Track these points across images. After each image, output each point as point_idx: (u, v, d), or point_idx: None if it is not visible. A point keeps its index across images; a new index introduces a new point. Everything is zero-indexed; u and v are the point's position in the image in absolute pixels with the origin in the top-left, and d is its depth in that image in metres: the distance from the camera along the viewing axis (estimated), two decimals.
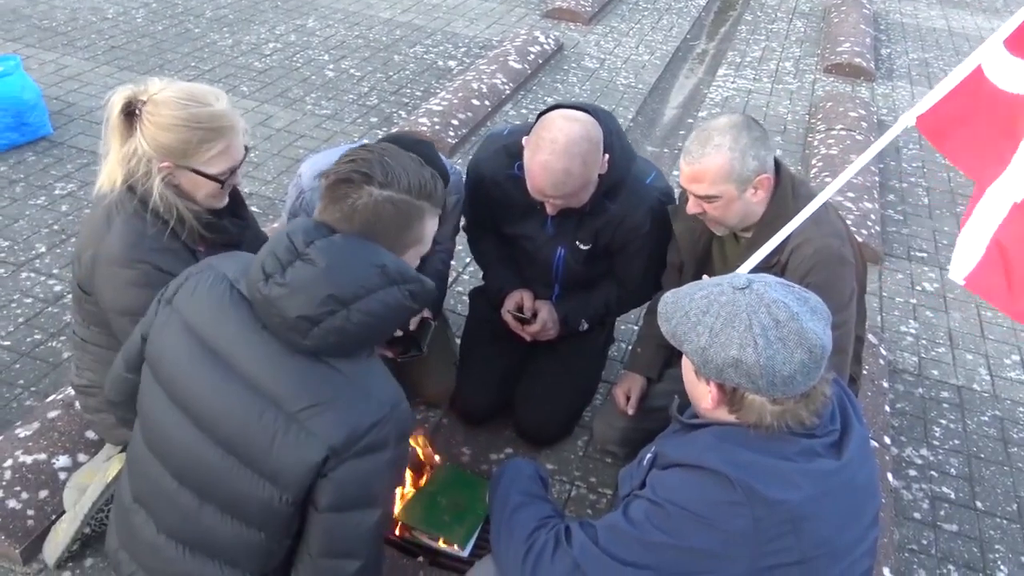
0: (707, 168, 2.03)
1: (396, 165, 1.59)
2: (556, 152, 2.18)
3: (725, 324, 1.39)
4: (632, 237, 2.49)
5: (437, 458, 2.53)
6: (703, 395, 1.48)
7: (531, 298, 2.69)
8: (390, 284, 1.51)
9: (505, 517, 1.61)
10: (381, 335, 1.58)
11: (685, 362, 1.51)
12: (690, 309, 1.44)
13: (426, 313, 2.64)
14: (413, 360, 2.55)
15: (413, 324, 2.59)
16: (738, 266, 2.11)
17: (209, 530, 1.60)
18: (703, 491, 1.40)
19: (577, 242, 2.53)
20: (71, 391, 2.46)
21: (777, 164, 2.15)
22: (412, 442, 2.43)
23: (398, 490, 2.36)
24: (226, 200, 2.07)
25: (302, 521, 1.58)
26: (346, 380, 1.51)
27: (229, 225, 2.08)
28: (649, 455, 1.59)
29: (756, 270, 2.05)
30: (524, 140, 2.31)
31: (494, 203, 2.57)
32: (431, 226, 1.68)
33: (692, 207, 2.13)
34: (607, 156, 2.28)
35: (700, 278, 2.35)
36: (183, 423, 1.57)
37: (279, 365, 1.50)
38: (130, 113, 1.90)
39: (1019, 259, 1.85)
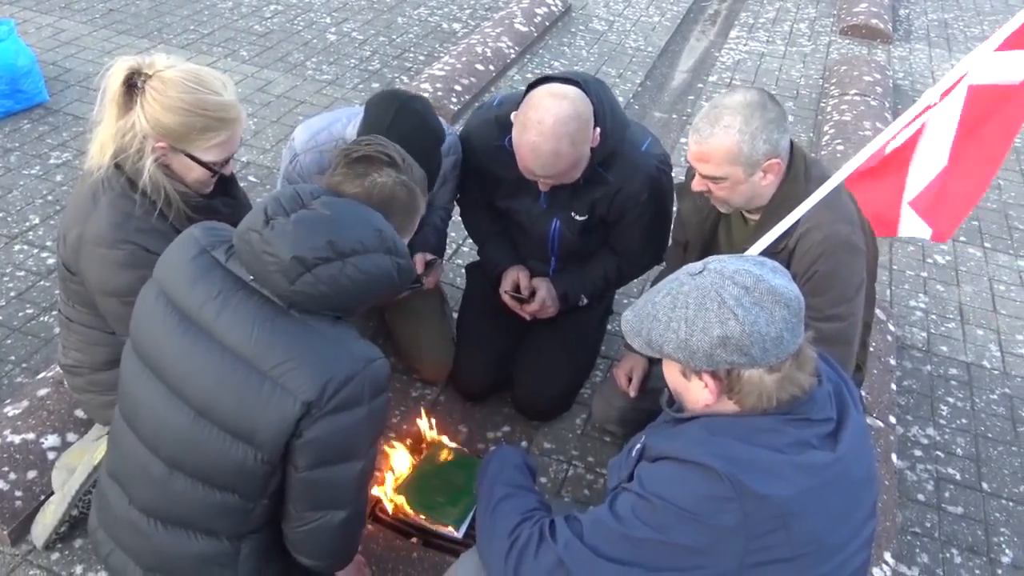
0: (714, 149, 1.95)
1: (408, 157, 1.71)
2: (544, 134, 2.12)
3: (698, 308, 1.35)
4: (630, 206, 2.43)
5: (432, 436, 2.50)
6: (698, 393, 1.43)
7: (527, 276, 2.64)
8: (385, 251, 1.55)
9: (489, 510, 1.57)
10: (364, 299, 1.58)
11: (669, 368, 1.46)
12: (657, 312, 1.40)
13: (429, 257, 2.60)
14: (411, 292, 2.51)
15: (420, 266, 2.55)
16: (744, 249, 2.04)
17: (180, 498, 1.60)
18: (691, 485, 1.35)
19: (573, 213, 2.47)
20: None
21: (792, 143, 2.06)
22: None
23: (394, 473, 2.35)
24: (212, 185, 2.02)
25: (282, 483, 1.59)
26: (319, 337, 1.52)
27: (220, 205, 2.05)
28: (638, 446, 1.54)
29: (764, 254, 1.99)
30: (513, 116, 2.24)
31: (486, 175, 2.51)
32: (417, 224, 1.78)
33: (698, 184, 2.06)
34: (598, 130, 2.21)
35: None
36: (155, 388, 1.59)
37: (252, 324, 1.51)
38: (131, 86, 1.84)
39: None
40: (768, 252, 1.99)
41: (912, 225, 2.26)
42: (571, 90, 2.17)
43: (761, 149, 1.94)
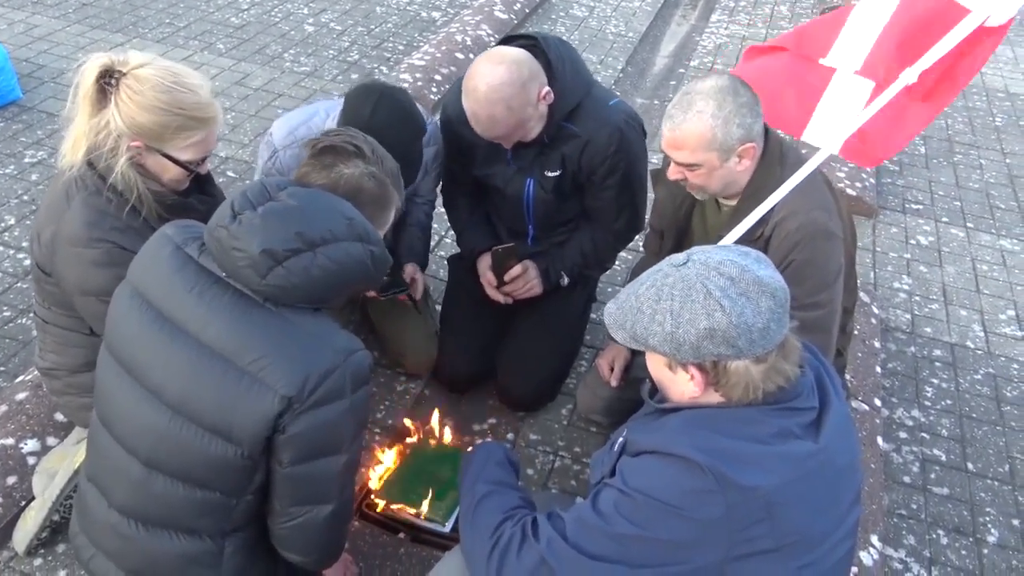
0: (687, 135, 1.93)
1: (379, 149, 1.68)
2: (478, 100, 2.20)
3: (684, 300, 1.34)
4: (599, 160, 2.44)
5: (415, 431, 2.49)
6: (684, 385, 1.42)
7: None
8: (356, 239, 1.54)
9: (471, 509, 1.56)
10: (340, 289, 1.57)
11: (654, 360, 1.45)
12: (641, 305, 1.39)
13: (418, 275, 2.61)
14: (395, 297, 2.52)
15: (411, 278, 2.56)
16: (720, 237, 2.03)
17: (160, 499, 1.58)
18: (673, 479, 1.34)
19: (545, 171, 2.49)
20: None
21: (766, 129, 2.05)
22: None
23: (380, 466, 2.33)
24: (187, 184, 2.00)
25: (267, 479, 1.58)
26: (298, 329, 1.51)
27: (196, 203, 2.03)
28: (620, 440, 1.53)
29: (740, 242, 1.98)
30: None
31: (463, 143, 2.52)
32: (392, 215, 1.75)
33: (673, 173, 2.04)
34: (546, 90, 2.26)
35: (680, 247, 2.29)
36: (131, 387, 1.57)
37: (227, 319, 1.49)
38: (105, 83, 1.81)
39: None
40: (744, 240, 1.98)
41: (818, 136, 2.20)
42: (511, 54, 2.22)
43: (735, 134, 1.93)
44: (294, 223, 1.48)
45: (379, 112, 2.15)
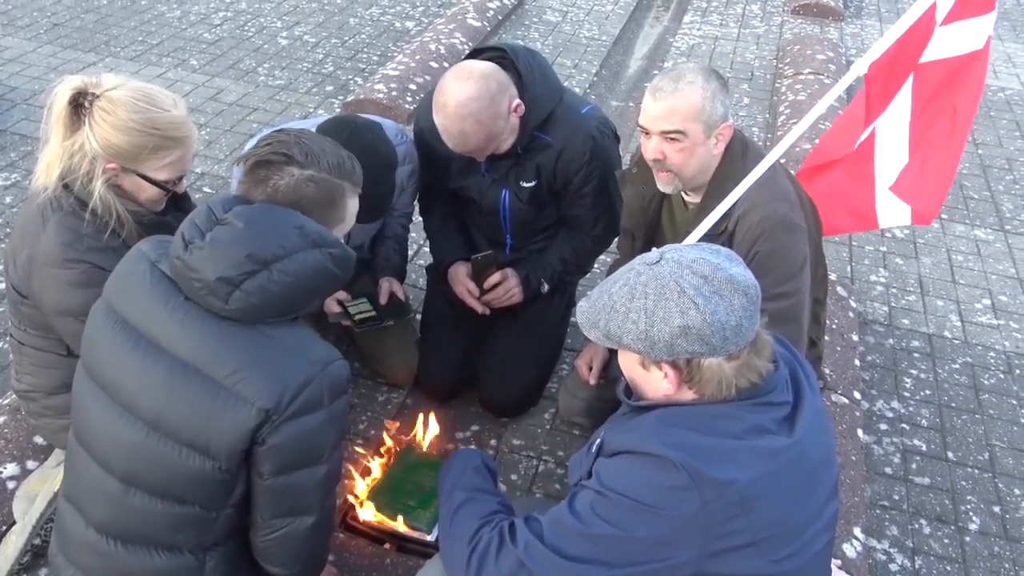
0: (680, 102, 1.97)
1: (314, 146, 1.65)
2: (448, 116, 2.21)
3: (657, 299, 1.35)
4: (575, 169, 2.45)
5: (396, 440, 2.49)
6: (658, 383, 1.43)
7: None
8: (311, 246, 1.53)
9: (450, 517, 1.56)
10: (305, 299, 1.57)
11: (626, 359, 1.46)
12: (615, 303, 1.39)
13: (396, 287, 2.61)
14: (371, 329, 2.52)
15: (383, 298, 2.57)
16: (688, 232, 2.05)
17: (138, 515, 1.57)
18: (647, 477, 1.35)
19: (521, 181, 2.50)
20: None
21: None
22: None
23: (364, 479, 2.33)
24: (164, 203, 2.00)
25: (247, 492, 1.58)
26: (273, 342, 1.51)
27: (172, 221, 2.02)
28: (597, 442, 1.54)
29: (705, 237, 2.00)
30: None
31: (437, 156, 2.52)
32: (352, 205, 1.71)
33: (654, 151, 2.05)
34: (516, 102, 2.27)
35: (650, 246, 2.31)
36: (106, 405, 1.57)
37: (202, 334, 1.50)
38: (78, 106, 1.81)
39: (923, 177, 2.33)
40: (708, 236, 2.01)
41: (890, 214, 2.35)
42: (478, 68, 2.22)
43: (718, 111, 1.99)
44: (242, 246, 1.47)
45: (347, 150, 2.17)
